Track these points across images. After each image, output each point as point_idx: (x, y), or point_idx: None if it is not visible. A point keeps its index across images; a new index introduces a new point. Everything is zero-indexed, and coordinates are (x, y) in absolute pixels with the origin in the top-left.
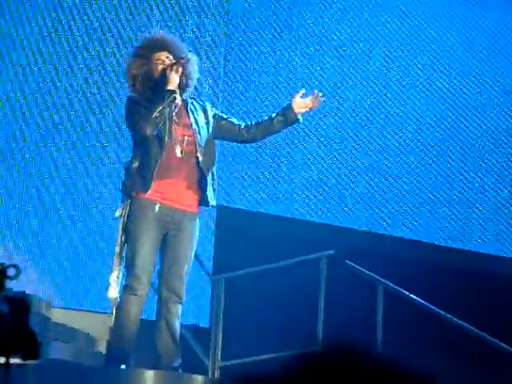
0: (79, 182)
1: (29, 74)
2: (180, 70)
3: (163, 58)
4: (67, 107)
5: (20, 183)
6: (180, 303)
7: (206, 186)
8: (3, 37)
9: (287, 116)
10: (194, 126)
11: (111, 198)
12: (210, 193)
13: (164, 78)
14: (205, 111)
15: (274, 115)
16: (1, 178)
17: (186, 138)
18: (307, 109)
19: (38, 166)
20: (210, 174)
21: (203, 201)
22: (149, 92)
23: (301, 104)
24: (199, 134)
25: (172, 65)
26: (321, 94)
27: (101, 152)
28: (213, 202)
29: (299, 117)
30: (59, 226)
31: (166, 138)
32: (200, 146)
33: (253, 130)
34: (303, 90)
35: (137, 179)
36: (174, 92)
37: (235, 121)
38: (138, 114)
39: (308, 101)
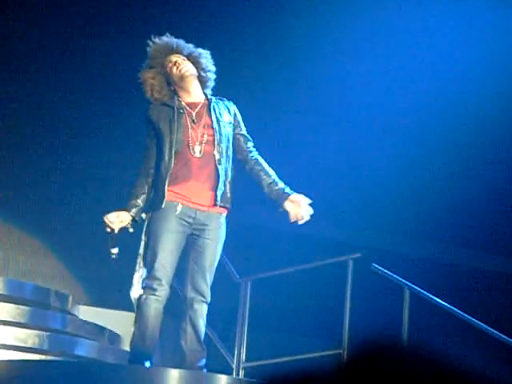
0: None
1: None
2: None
3: (174, 59)
4: None
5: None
6: (205, 303)
7: (218, 186)
8: None
9: (278, 199)
10: (215, 125)
11: None
12: (219, 193)
13: (182, 77)
14: (229, 111)
15: (274, 184)
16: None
17: (205, 137)
18: (292, 216)
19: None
20: (226, 174)
21: (215, 201)
22: (167, 97)
23: (294, 208)
24: (219, 133)
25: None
26: (308, 215)
27: None
28: (222, 203)
29: (282, 209)
30: (85, 224)
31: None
32: (218, 145)
33: (250, 166)
34: (310, 201)
35: (155, 189)
36: None
37: (249, 143)
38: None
39: (299, 211)
